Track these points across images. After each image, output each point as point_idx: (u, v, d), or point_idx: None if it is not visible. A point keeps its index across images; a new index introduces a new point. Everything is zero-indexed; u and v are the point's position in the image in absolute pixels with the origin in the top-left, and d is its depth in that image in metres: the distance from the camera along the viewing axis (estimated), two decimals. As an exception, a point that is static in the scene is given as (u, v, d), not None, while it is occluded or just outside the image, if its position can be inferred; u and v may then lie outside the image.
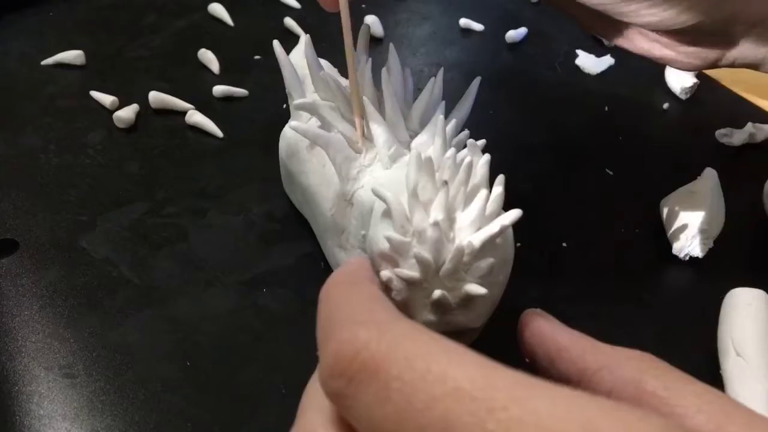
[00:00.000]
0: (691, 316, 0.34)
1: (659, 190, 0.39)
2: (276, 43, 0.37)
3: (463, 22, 0.55)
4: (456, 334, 0.26)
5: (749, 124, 0.44)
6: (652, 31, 0.31)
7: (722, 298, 0.33)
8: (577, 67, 0.51)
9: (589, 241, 0.38)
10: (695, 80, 0.48)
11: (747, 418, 0.17)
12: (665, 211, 0.38)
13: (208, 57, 0.50)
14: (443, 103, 0.31)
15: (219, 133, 0.44)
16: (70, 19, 0.53)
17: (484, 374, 0.15)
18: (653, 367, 0.20)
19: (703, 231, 0.36)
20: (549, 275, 0.36)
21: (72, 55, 0.49)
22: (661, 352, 0.32)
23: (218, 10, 0.54)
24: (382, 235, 0.26)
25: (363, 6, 0.56)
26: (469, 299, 0.25)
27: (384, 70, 0.31)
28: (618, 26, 0.32)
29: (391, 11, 0.56)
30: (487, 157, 0.27)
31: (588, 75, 0.51)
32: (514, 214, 0.25)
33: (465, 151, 0.28)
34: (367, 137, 0.32)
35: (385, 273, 0.26)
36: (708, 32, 0.29)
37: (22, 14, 0.53)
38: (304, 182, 0.35)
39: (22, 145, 0.43)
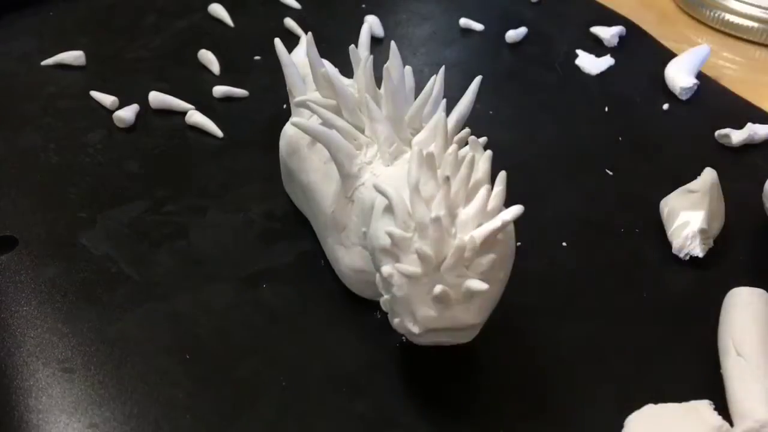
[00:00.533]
0: (691, 315, 0.34)
1: (659, 190, 0.39)
2: (278, 41, 0.37)
3: (463, 22, 0.55)
4: (456, 330, 0.26)
5: (749, 124, 0.44)
6: None
7: (722, 297, 0.33)
8: (577, 67, 0.51)
9: (588, 240, 0.38)
10: (695, 80, 0.48)
11: None
12: (665, 210, 0.38)
13: (208, 57, 0.50)
14: (444, 101, 0.31)
15: (219, 133, 0.44)
16: (70, 19, 0.53)
17: None
18: None
19: (703, 231, 0.36)
20: (548, 275, 0.36)
21: (72, 56, 0.49)
22: (661, 352, 0.33)
23: (218, 10, 0.54)
24: (383, 230, 0.26)
25: (363, 6, 0.56)
26: (470, 295, 0.25)
27: (385, 68, 0.31)
28: None
29: (391, 11, 0.56)
30: (489, 153, 0.27)
31: (588, 75, 0.51)
32: (516, 210, 0.26)
33: (466, 148, 0.28)
34: (369, 135, 0.32)
35: (387, 269, 0.26)
36: None
37: (22, 14, 0.54)
38: (304, 180, 0.35)
39: (22, 145, 0.43)
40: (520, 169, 0.41)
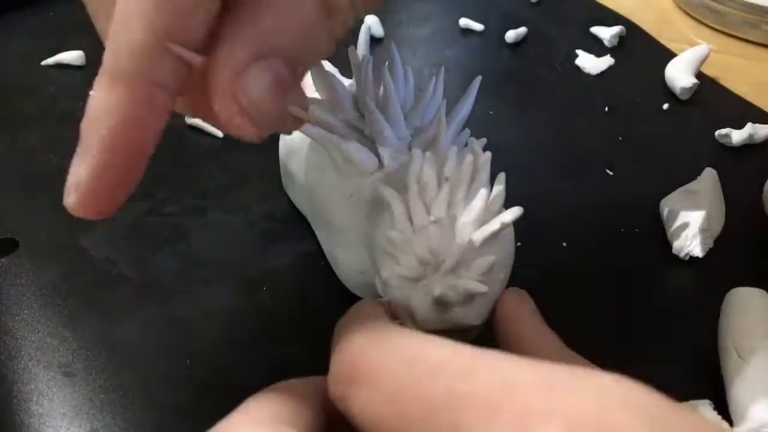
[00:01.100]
0: (692, 315, 0.34)
1: (659, 189, 0.39)
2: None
3: (463, 22, 0.55)
4: (456, 332, 0.26)
5: (749, 124, 0.44)
6: None
7: (722, 297, 0.33)
8: (577, 67, 0.51)
9: (588, 240, 0.38)
10: (695, 80, 0.48)
11: None
12: (665, 210, 0.38)
13: (208, 57, 0.49)
14: (444, 101, 0.31)
15: (219, 133, 0.44)
16: (70, 19, 0.53)
17: (461, 353, 0.16)
18: None
19: (703, 231, 0.36)
20: (548, 275, 0.36)
21: (72, 56, 0.49)
22: (661, 352, 0.33)
23: (218, 10, 0.54)
24: (382, 232, 0.26)
25: (363, 6, 0.56)
26: (470, 297, 0.25)
27: (385, 68, 0.31)
28: None
29: (391, 11, 0.56)
30: (488, 155, 0.27)
31: (588, 75, 0.51)
32: (516, 211, 0.25)
33: (466, 149, 0.28)
34: (368, 136, 0.32)
35: (386, 271, 0.26)
36: None
37: (22, 14, 0.53)
38: (304, 181, 0.35)
39: (22, 145, 0.43)
40: (519, 170, 0.41)
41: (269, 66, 0.19)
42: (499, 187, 0.26)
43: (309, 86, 0.36)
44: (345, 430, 0.18)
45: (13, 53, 0.50)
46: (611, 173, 0.42)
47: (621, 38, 0.54)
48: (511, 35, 0.54)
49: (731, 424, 0.28)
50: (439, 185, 0.26)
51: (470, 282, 0.25)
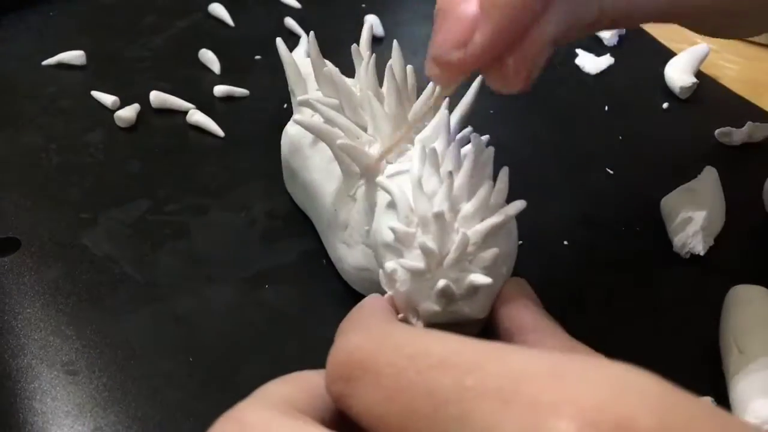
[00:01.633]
0: (693, 313, 0.34)
1: (659, 188, 0.40)
2: (279, 41, 0.37)
3: (463, 22, 0.55)
4: (460, 325, 0.26)
5: (749, 124, 0.44)
6: None
7: (723, 295, 0.33)
8: (577, 67, 0.51)
9: (589, 239, 0.38)
10: (695, 80, 0.48)
11: None
12: (666, 209, 0.38)
13: (208, 57, 0.50)
14: (446, 100, 0.31)
15: (220, 132, 0.44)
16: (70, 19, 0.53)
17: (466, 346, 0.16)
18: None
19: (703, 229, 0.36)
20: (549, 274, 0.36)
21: (73, 55, 0.49)
22: (662, 350, 0.33)
23: (218, 10, 0.54)
24: (386, 226, 0.26)
25: (363, 6, 0.56)
26: (474, 289, 0.25)
27: (388, 66, 0.32)
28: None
29: (392, 11, 0.56)
30: (491, 149, 0.27)
31: (588, 75, 0.51)
32: (519, 204, 0.26)
33: (469, 145, 0.28)
34: (371, 134, 0.32)
35: (390, 264, 0.26)
36: None
37: (22, 14, 0.53)
38: (306, 178, 0.35)
39: (24, 145, 0.43)
40: (520, 169, 0.41)
41: None
42: (501, 182, 0.26)
43: (311, 85, 0.37)
44: (355, 422, 0.18)
45: (14, 53, 0.50)
46: (611, 172, 0.42)
47: (620, 37, 0.54)
48: (511, 35, 0.53)
49: (733, 420, 0.29)
50: (442, 180, 0.26)
51: (475, 275, 0.25)
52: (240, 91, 0.47)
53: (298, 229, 0.38)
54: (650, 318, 0.34)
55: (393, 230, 0.25)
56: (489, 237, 0.25)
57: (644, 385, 0.14)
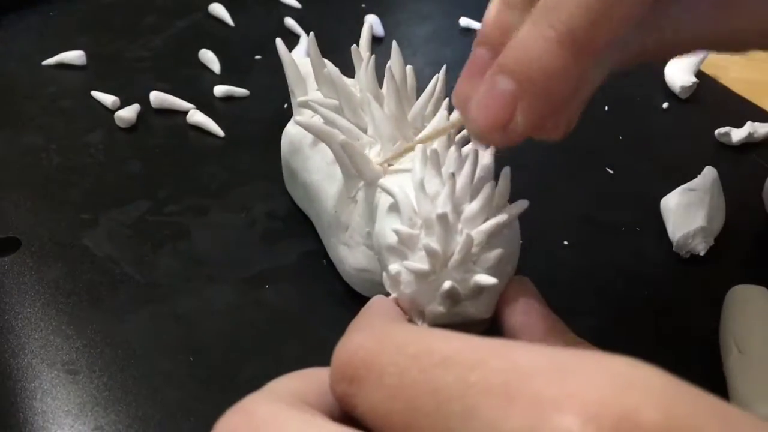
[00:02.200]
0: (693, 313, 0.34)
1: (659, 188, 0.40)
2: (279, 41, 0.37)
3: (463, 21, 0.55)
4: (465, 326, 0.26)
5: (748, 123, 0.44)
6: None
7: (724, 295, 0.33)
8: (577, 67, 0.51)
9: (589, 239, 0.38)
10: (695, 79, 0.48)
11: None
12: (666, 209, 0.38)
13: (208, 57, 0.50)
14: (446, 99, 0.31)
15: (220, 132, 0.44)
16: (70, 19, 0.54)
17: (469, 344, 0.16)
18: None
19: (703, 229, 0.36)
20: (550, 274, 0.36)
21: (73, 56, 0.49)
22: (662, 350, 0.33)
23: (218, 10, 0.54)
24: (389, 228, 0.26)
25: (363, 6, 0.56)
26: (479, 290, 0.25)
27: (388, 67, 0.32)
28: None
29: (391, 11, 0.56)
30: (492, 149, 0.27)
31: (588, 75, 0.51)
32: (522, 204, 0.26)
33: (470, 145, 0.28)
34: (371, 134, 0.32)
35: (394, 266, 0.26)
36: None
37: (23, 14, 0.54)
38: (306, 179, 0.35)
39: (24, 145, 0.43)
40: (520, 169, 0.41)
41: None
42: (503, 182, 0.26)
43: (311, 85, 0.37)
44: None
45: (14, 53, 0.50)
46: (612, 172, 0.42)
47: (620, 38, 0.54)
48: (511, 35, 0.54)
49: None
50: (444, 180, 0.26)
51: (480, 275, 0.25)
52: (240, 91, 0.47)
53: (298, 229, 0.38)
54: (649, 318, 0.34)
55: (396, 232, 0.25)
56: (493, 237, 0.25)
57: (649, 379, 0.14)
